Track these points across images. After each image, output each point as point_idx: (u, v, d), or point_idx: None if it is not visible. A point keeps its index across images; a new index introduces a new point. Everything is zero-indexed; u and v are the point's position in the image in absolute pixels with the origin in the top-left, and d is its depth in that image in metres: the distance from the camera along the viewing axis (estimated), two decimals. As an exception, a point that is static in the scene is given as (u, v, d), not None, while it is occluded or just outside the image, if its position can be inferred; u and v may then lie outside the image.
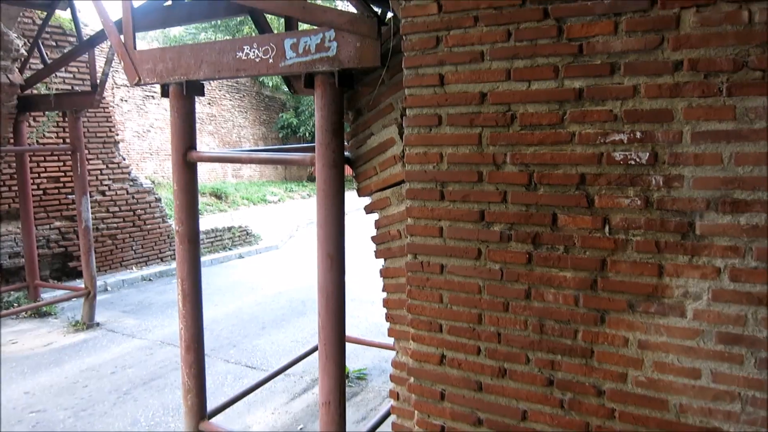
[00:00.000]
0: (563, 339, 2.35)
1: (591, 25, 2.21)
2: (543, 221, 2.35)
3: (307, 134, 22.64)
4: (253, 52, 3.15)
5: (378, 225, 3.08)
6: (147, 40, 20.86)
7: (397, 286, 3.05)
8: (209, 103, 20.25)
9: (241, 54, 3.20)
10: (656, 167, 2.15)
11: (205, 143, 19.84)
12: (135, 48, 3.70)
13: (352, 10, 3.13)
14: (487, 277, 2.46)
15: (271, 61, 3.11)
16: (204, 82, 3.62)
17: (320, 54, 2.96)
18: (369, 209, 3.10)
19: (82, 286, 7.39)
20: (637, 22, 2.13)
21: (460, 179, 2.48)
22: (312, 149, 3.91)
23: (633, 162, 2.18)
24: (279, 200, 19.85)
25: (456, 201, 2.50)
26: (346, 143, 3.12)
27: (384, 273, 3.09)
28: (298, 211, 17.36)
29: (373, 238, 3.08)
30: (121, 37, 3.71)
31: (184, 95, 3.51)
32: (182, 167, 3.58)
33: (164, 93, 3.62)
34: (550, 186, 2.32)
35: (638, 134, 2.16)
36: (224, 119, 21.08)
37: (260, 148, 4.64)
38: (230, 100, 21.41)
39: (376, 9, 3.36)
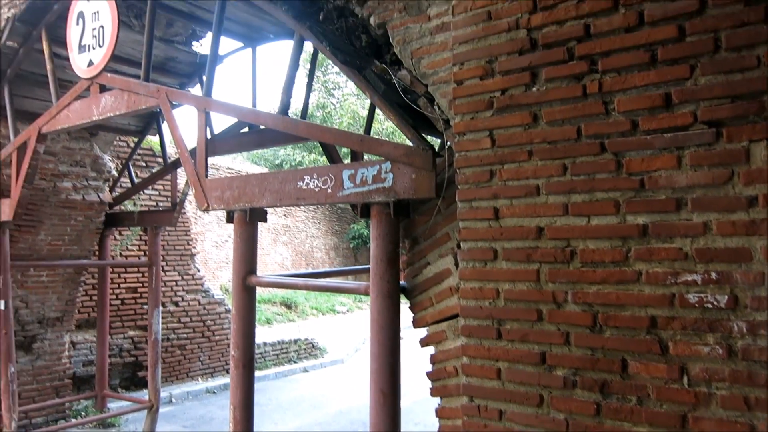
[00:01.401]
0: (641, 508, 2.04)
1: (652, 159, 2.11)
2: (611, 368, 2.13)
3: (376, 244, 22.87)
4: (313, 182, 3.23)
5: (434, 360, 2.92)
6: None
7: (455, 429, 2.83)
8: (284, 215, 21.09)
9: (301, 184, 3.29)
10: (737, 312, 1.93)
11: (279, 253, 20.44)
12: (206, 176, 3.90)
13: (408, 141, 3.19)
14: (551, 428, 2.23)
15: (329, 190, 3.18)
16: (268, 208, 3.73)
17: (376, 185, 2.99)
18: (424, 343, 2.97)
19: (147, 398, 7.43)
20: (702, 156, 2.02)
21: (518, 317, 2.34)
22: (365, 271, 3.88)
23: (710, 305, 1.98)
24: (348, 310, 19.81)
25: (514, 341, 2.34)
26: (401, 272, 3.06)
27: (440, 413, 2.88)
28: (365, 323, 17.17)
29: (429, 375, 2.92)
30: (195, 167, 3.93)
31: (248, 221, 3.62)
32: (242, 291, 3.61)
33: (229, 219, 3.75)
34: (617, 329, 2.13)
35: (713, 275, 1.98)
36: (298, 230, 21.78)
37: (319, 271, 4.67)
38: (304, 211, 22.23)
39: (430, 137, 3.41)
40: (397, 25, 3.04)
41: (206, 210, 3.86)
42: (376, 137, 3.23)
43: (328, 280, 3.49)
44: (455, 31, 2.58)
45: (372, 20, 3.17)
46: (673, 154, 2.07)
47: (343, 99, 23.40)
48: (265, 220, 3.68)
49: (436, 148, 3.02)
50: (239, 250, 3.66)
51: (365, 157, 4.23)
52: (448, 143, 2.88)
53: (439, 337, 2.91)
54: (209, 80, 4.13)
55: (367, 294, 3.05)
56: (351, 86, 23.99)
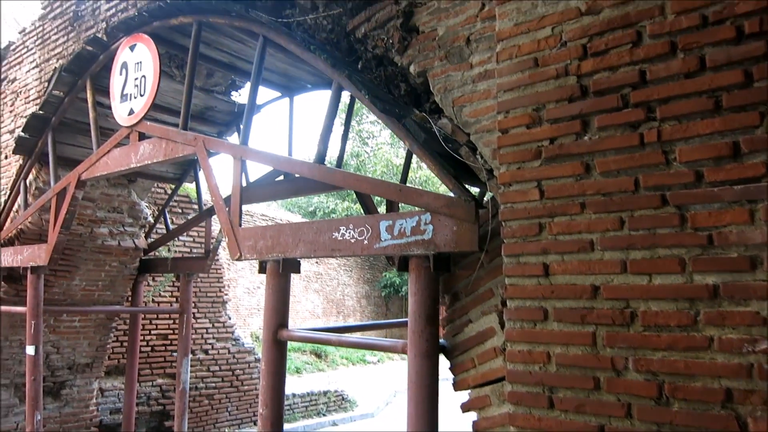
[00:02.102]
0: None
1: (720, 213, 1.93)
2: (681, 447, 1.90)
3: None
4: (349, 233, 3.12)
5: (477, 428, 2.70)
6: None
7: (499, 505, 2.58)
8: (317, 262, 21.04)
9: (337, 234, 3.18)
10: (829, 388, 1.70)
11: (310, 301, 20.32)
12: (240, 225, 3.83)
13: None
14: None
15: (366, 242, 3.05)
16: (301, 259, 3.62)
17: (415, 237, 2.85)
18: (466, 408, 2.76)
19: (173, 451, 7.23)
20: (779, 212, 1.83)
21: (572, 385, 2.13)
22: (402, 324, 3.70)
23: (795, 379, 1.75)
24: (378, 360, 19.40)
25: (568, 411, 2.13)
26: (441, 329, 2.88)
27: (483, 486, 2.64)
28: (397, 374, 16.74)
29: (471, 443, 2.70)
30: (229, 216, 3.87)
31: (281, 273, 3.51)
32: (272, 345, 3.47)
33: (262, 269, 3.65)
34: (686, 402, 1.91)
35: (798, 344, 1.76)
36: (330, 277, 21.67)
37: (353, 324, 4.51)
38: (336, 258, 22.16)
39: (472, 187, 3.28)
40: (438, 73, 2.97)
41: (239, 259, 3.77)
42: (415, 187, 3.12)
43: (362, 335, 3.31)
44: (500, 79, 2.48)
45: (412, 68, 3.10)
46: (745, 207, 1.89)
47: (377, 148, 23.61)
48: (298, 271, 3.55)
49: (478, 199, 2.88)
50: (271, 302, 3.53)
51: (401, 207, 4.12)
52: (491, 194, 2.75)
53: (482, 402, 2.70)
54: (246, 129, 4.11)
55: (404, 353, 2.87)
56: (385, 135, 24.24)
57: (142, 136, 4.82)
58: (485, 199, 3.45)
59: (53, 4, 6.07)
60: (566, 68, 2.30)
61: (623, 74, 2.17)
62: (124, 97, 4.94)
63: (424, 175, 19.79)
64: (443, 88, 2.93)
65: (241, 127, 5.83)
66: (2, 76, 6.95)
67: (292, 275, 3.65)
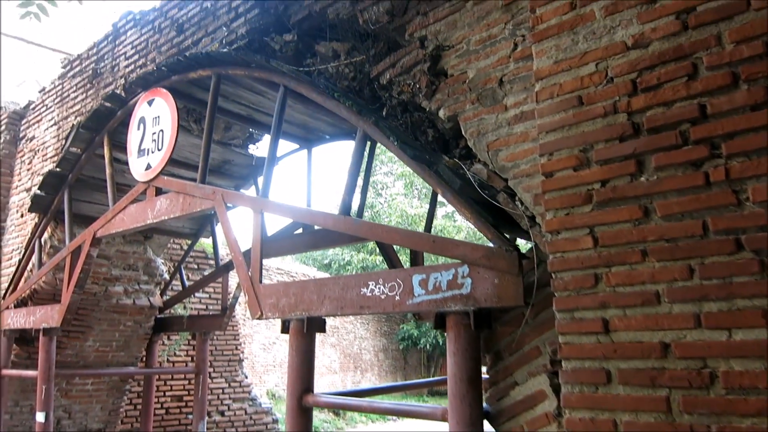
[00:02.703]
0: None
1: (807, 258, 1.71)
2: None
3: (428, 346, 22.04)
4: (379, 288, 2.91)
5: (530, 506, 2.41)
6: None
7: None
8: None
9: (365, 290, 2.97)
10: None
11: (327, 356, 19.85)
12: (260, 281, 3.64)
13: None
14: None
15: (397, 298, 2.84)
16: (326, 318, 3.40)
17: (452, 292, 2.63)
18: (517, 483, 2.47)
19: None
20: None
21: (645, 459, 1.86)
22: (439, 383, 3.44)
23: None
24: (398, 418, 18.73)
25: (642, 490, 1.85)
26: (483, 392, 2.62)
27: None
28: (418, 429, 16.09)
29: None
30: (249, 272, 3.68)
31: (305, 332, 3.28)
32: (296, 413, 3.20)
33: (284, 329, 3.42)
34: (786, 479, 1.64)
35: None
36: (346, 331, 21.24)
37: (384, 386, 4.23)
38: (352, 311, 21.75)
39: (510, 235, 3.08)
40: (470, 116, 2.82)
41: (260, 318, 3.56)
42: (451, 237, 2.92)
43: (394, 404, 3.01)
44: (541, 119, 2.32)
45: (441, 113, 2.96)
46: (837, 252, 1.67)
47: (391, 198, 23.58)
48: (323, 330, 3.32)
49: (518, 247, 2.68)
50: (294, 365, 3.29)
51: (426, 259, 3.92)
52: (535, 242, 2.54)
53: (536, 476, 2.42)
54: (266, 181, 3.97)
55: (444, 420, 2.61)
56: (399, 186, 24.24)
57: (158, 191, 4.70)
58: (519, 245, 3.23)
59: (73, 63, 6.11)
60: (615, 105, 2.14)
61: (680, 109, 2.00)
62: (141, 152, 4.86)
63: (438, 224, 19.60)
64: (476, 132, 2.78)
65: (260, 179, 5.73)
66: (21, 135, 6.97)
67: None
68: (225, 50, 4.09)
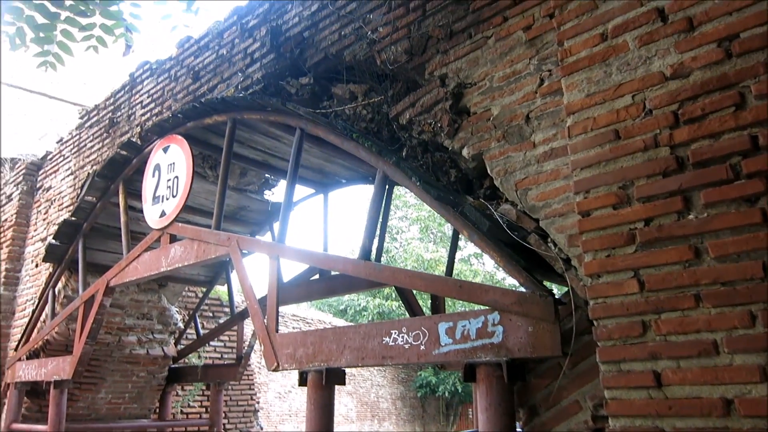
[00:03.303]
0: None
1: None
2: None
3: (446, 393, 21.44)
4: (402, 337, 2.73)
5: None
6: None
7: None
8: (348, 363, 20.23)
9: (388, 339, 2.79)
10: None
11: (343, 404, 19.35)
12: (277, 330, 3.47)
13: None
14: None
15: (422, 348, 2.65)
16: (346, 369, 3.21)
17: (482, 341, 2.45)
18: None
19: None
20: None
21: None
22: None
23: None
24: (418, 469, 18.05)
25: None
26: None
27: None
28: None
29: None
30: (265, 320, 3.52)
31: (324, 385, 3.09)
32: (316, 473, 2.98)
33: (302, 381, 3.23)
34: None
35: None
36: (363, 378, 20.76)
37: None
38: (369, 358, 21.31)
39: (543, 279, 2.90)
40: (496, 154, 2.69)
41: (276, 370, 3.38)
42: (479, 282, 2.75)
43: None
44: (574, 155, 2.18)
45: (465, 152, 2.84)
46: None
47: (406, 243, 23.40)
48: (343, 382, 3.13)
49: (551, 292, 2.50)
50: (313, 421, 3.09)
51: (447, 306, 3.73)
52: (571, 286, 2.37)
53: None
54: (283, 226, 3.86)
55: (478, 485, 2.39)
56: (414, 231, 24.10)
57: (173, 239, 4.60)
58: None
59: (90, 113, 6.14)
60: (655, 139, 2.00)
61: (729, 141, 1.85)
62: (156, 199, 4.79)
63: (455, 269, 19.35)
64: (503, 170, 2.64)
65: (275, 225, 5.62)
66: (38, 185, 6.97)
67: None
68: (240, 95, 4.05)
